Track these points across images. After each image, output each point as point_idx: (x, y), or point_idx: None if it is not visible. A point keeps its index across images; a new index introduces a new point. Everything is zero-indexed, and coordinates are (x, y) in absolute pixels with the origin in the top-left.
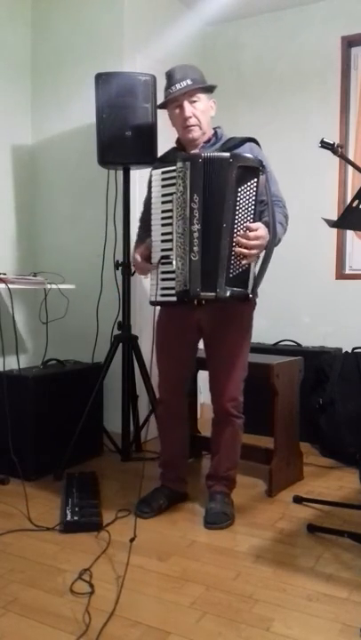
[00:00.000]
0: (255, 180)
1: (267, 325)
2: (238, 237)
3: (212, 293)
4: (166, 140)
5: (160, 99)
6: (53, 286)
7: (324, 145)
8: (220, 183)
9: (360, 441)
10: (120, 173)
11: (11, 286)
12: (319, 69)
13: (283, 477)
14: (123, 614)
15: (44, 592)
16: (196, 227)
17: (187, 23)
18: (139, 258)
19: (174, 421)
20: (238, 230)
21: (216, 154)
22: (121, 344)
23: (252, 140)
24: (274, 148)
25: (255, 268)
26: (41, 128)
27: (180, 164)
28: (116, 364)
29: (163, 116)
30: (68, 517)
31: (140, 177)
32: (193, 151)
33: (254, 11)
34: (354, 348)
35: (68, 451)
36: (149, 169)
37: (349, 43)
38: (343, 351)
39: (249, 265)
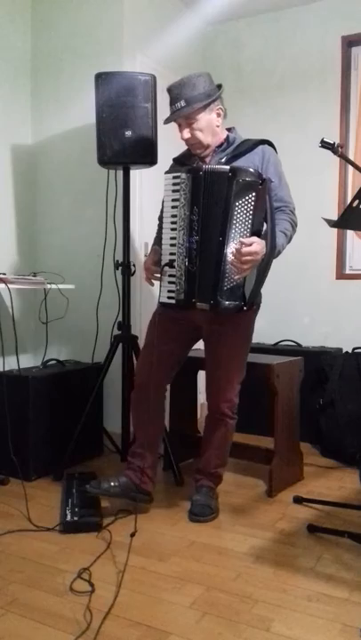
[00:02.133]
0: (253, 194)
1: (267, 325)
2: (233, 251)
3: (207, 304)
4: (166, 139)
5: (160, 99)
6: (53, 286)
7: (324, 145)
8: (219, 197)
9: (360, 441)
10: (120, 173)
11: (10, 286)
12: (319, 69)
13: (283, 477)
14: (123, 614)
15: (43, 592)
16: (195, 238)
17: (187, 23)
18: (150, 265)
19: (148, 411)
20: (235, 244)
21: (217, 167)
22: (121, 344)
23: (267, 142)
24: None
25: (252, 279)
26: (41, 128)
27: (183, 176)
28: (116, 364)
29: (163, 116)
30: (68, 518)
31: (140, 177)
32: (205, 156)
33: (254, 10)
34: (354, 348)
35: (68, 451)
36: (150, 168)
37: (349, 43)
38: (343, 351)
39: (244, 278)
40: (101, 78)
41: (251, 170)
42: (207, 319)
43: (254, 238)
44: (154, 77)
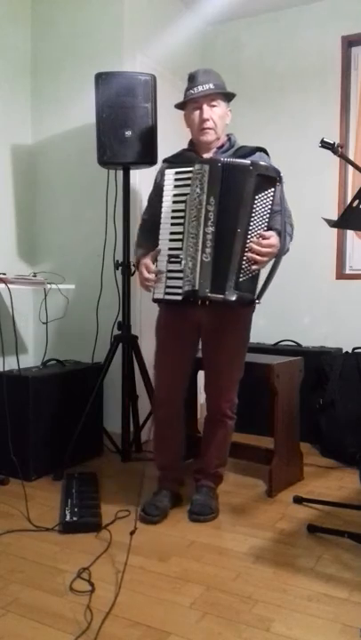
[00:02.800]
0: (273, 189)
1: (267, 325)
2: (251, 244)
3: (221, 295)
4: (166, 140)
5: (160, 99)
6: (53, 286)
7: (324, 145)
8: (238, 189)
9: (360, 441)
10: (120, 173)
11: (11, 286)
12: (319, 69)
13: (283, 477)
14: (123, 615)
15: (43, 592)
16: (210, 229)
17: (187, 23)
18: (148, 269)
19: (176, 423)
20: (252, 237)
21: (237, 160)
22: (121, 344)
23: (262, 149)
24: (274, 148)
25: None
26: (41, 128)
27: (197, 167)
28: (116, 364)
29: (163, 117)
30: (67, 518)
31: (140, 177)
32: (206, 155)
33: (254, 10)
34: (354, 348)
35: (68, 451)
36: (150, 168)
37: (349, 43)
38: (343, 351)
39: (258, 271)
40: (101, 78)
41: (270, 166)
42: (208, 318)
43: (272, 232)
44: (154, 77)
